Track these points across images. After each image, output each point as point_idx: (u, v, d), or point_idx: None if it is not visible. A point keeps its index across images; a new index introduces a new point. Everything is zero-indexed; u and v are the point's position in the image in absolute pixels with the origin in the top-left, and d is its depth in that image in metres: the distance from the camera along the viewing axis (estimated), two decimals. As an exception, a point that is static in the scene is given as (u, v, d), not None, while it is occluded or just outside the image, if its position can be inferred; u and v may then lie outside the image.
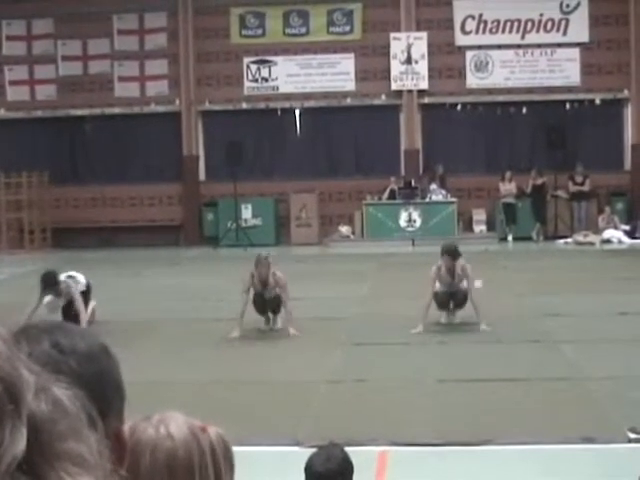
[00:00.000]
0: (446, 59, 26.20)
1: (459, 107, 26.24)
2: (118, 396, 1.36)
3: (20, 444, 0.86)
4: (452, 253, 12.16)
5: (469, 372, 9.64)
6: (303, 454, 6.81)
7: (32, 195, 26.32)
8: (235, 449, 1.82)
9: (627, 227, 24.28)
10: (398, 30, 26.21)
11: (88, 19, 26.55)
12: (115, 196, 26.56)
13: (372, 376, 9.65)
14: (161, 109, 26.84)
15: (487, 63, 26.12)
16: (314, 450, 4.55)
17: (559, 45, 25.91)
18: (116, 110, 26.90)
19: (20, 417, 0.86)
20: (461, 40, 26.23)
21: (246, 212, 25.69)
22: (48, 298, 12.85)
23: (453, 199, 24.90)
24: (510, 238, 24.59)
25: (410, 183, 25.15)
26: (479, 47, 26.18)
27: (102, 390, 1.31)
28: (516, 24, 26.03)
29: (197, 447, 1.76)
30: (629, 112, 25.86)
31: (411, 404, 8.54)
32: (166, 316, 13.64)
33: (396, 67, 26.17)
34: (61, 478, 0.91)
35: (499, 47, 26.13)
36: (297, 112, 26.70)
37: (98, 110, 26.91)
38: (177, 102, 26.79)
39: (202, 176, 27.03)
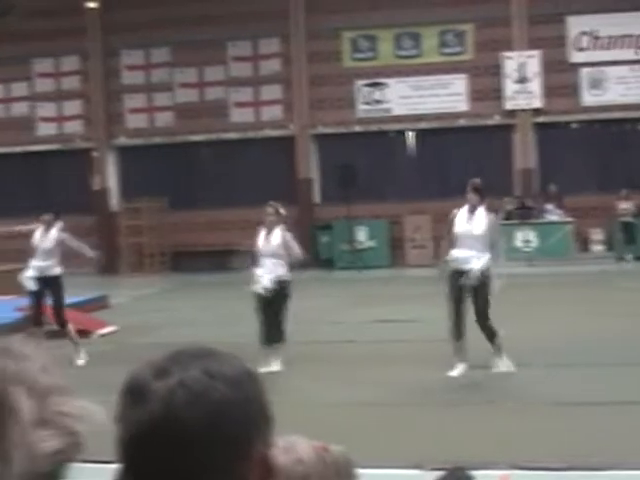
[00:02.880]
0: (560, 77, 25.89)
1: (574, 125, 25.89)
2: (265, 421, 1.38)
3: None
4: (477, 189, 10.91)
5: (584, 395, 9.47)
6: (423, 477, 6.85)
7: (151, 220, 26.93)
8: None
9: None
10: (510, 49, 26.04)
11: (203, 47, 27.12)
12: (231, 220, 26.96)
13: (491, 398, 9.58)
14: (275, 133, 27.19)
15: (602, 80, 25.72)
16: (434, 473, 4.54)
17: (675, 60, 25.39)
18: (232, 135, 27.36)
19: None
20: (575, 57, 25.91)
21: (360, 234, 25.77)
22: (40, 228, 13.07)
23: (569, 219, 24.53)
24: (629, 258, 24.08)
25: (525, 203, 24.88)
26: (593, 64, 25.80)
27: (250, 415, 1.34)
28: (631, 39, 25.59)
29: (325, 469, 1.80)
30: None
31: (531, 427, 8.43)
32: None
33: (509, 86, 25.99)
34: None
35: (614, 63, 25.70)
36: (410, 134, 26.72)
37: (214, 136, 27.42)
38: (291, 126, 27.10)
39: (316, 199, 27.24)
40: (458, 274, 10.72)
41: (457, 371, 10.80)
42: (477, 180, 11.21)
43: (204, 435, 1.28)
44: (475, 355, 10.95)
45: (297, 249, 11.71)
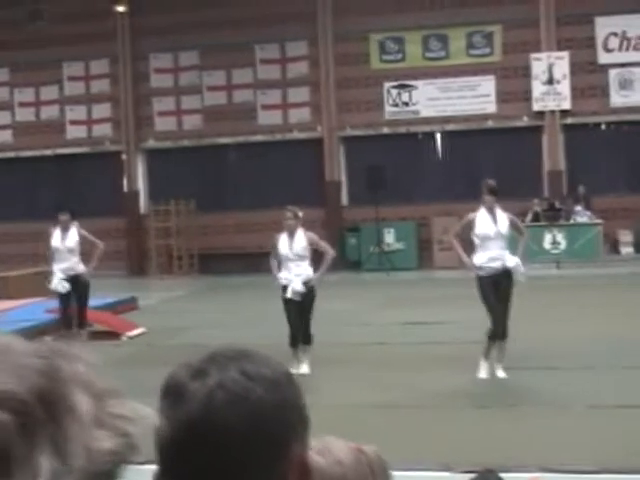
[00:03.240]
0: (589, 78, 25.76)
1: (603, 126, 25.76)
2: (302, 423, 1.38)
3: None
4: (493, 190, 11.01)
5: (621, 398, 9.42)
6: (453, 479, 6.84)
7: (180, 222, 27.03)
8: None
9: None
10: (539, 50, 25.94)
11: (231, 50, 27.20)
12: (259, 222, 27.00)
13: (520, 400, 9.56)
14: (303, 136, 27.22)
15: (631, 81, 25.56)
16: (464, 475, 4.54)
17: None
18: (259, 138, 27.43)
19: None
20: (604, 58, 25.76)
21: (388, 236, 25.75)
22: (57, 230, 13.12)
23: (598, 220, 24.40)
24: (659, 260, 23.92)
25: (554, 205, 24.78)
26: (622, 65, 25.65)
27: (287, 417, 1.35)
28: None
29: (362, 469, 1.79)
30: None
31: (562, 430, 8.40)
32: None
33: (537, 88, 25.89)
34: None
35: (643, 64, 25.56)
36: (438, 136, 26.68)
37: (242, 138, 27.50)
38: (319, 128, 27.13)
39: (344, 201, 27.25)
40: (492, 276, 10.74)
41: (501, 372, 10.76)
42: (491, 181, 11.30)
43: (243, 436, 1.28)
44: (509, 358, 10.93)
45: (327, 247, 11.73)
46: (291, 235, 11.46)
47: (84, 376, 0.82)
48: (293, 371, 10.10)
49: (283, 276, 11.45)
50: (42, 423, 0.76)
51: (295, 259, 11.41)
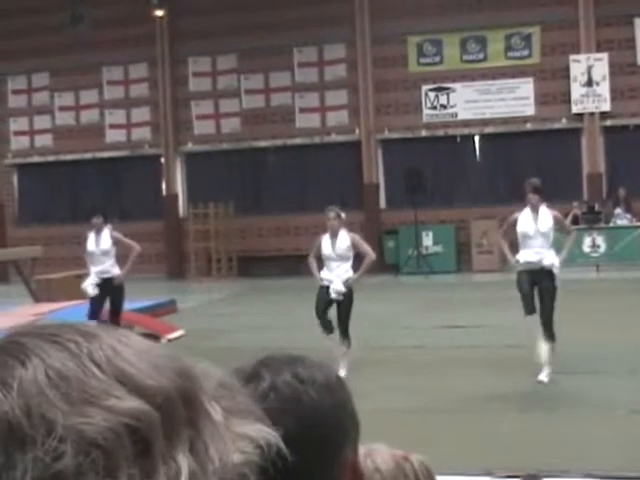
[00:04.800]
0: (628, 79, 25.54)
1: (643, 128, 25.54)
2: (354, 427, 1.40)
3: None
4: (537, 188, 11.01)
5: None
6: (494, 483, 6.82)
7: (219, 225, 27.13)
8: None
9: None
10: (578, 52, 25.76)
11: (269, 53, 27.28)
12: (298, 225, 27.06)
13: (562, 405, 9.50)
14: (341, 139, 27.24)
15: (672, 82, 25.34)
16: None
17: None
18: (298, 141, 27.48)
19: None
20: (644, 59, 25.56)
21: (427, 239, 25.69)
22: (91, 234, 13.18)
23: (639, 223, 24.18)
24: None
25: (593, 208, 24.60)
26: (662, 66, 25.45)
27: (340, 421, 1.37)
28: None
29: (403, 477, 1.79)
30: None
31: (604, 435, 8.34)
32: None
33: (576, 90, 25.71)
34: None
35: (684, 65, 25.33)
36: (476, 138, 26.60)
37: (280, 141, 27.56)
38: (357, 131, 27.13)
39: (382, 204, 27.23)
40: (532, 274, 10.75)
41: (542, 376, 10.69)
42: (535, 180, 11.32)
43: (296, 440, 1.30)
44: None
45: (369, 249, 11.74)
46: (334, 235, 11.49)
47: (210, 389, 0.84)
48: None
49: (324, 276, 11.49)
50: (184, 423, 0.77)
51: (337, 259, 11.44)
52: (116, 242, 13.20)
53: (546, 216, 10.96)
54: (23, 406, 0.72)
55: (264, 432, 0.84)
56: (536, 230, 10.85)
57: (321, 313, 11.54)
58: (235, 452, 0.78)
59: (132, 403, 0.74)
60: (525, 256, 10.89)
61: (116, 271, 13.10)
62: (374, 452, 1.81)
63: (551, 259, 10.77)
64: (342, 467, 1.37)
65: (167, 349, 0.83)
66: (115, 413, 0.73)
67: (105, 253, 13.06)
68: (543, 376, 10.61)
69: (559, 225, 11.21)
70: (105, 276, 13.03)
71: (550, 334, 10.66)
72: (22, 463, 0.70)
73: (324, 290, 11.46)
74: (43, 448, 0.70)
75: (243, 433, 0.81)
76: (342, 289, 11.29)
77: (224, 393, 0.85)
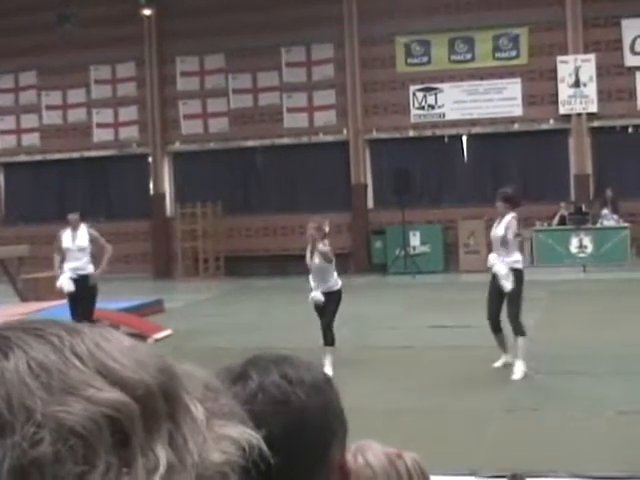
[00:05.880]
0: (616, 81, 25.61)
1: (630, 129, 25.61)
2: (342, 427, 1.41)
3: None
4: (505, 198, 11.57)
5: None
6: (480, 483, 6.82)
7: (206, 225, 27.11)
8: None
9: None
10: (565, 53, 25.82)
11: (257, 53, 27.27)
12: (285, 225, 27.06)
13: (548, 405, 9.52)
14: (329, 139, 27.24)
15: (659, 83, 25.42)
16: None
17: None
18: (285, 141, 27.47)
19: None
20: (631, 61, 25.60)
21: (414, 239, 25.71)
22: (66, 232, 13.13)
23: (626, 224, 24.25)
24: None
25: (581, 208, 24.66)
26: (650, 67, 25.52)
27: (328, 421, 1.37)
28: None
29: (395, 474, 1.79)
30: None
31: (591, 435, 8.36)
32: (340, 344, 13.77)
33: (564, 91, 25.77)
34: None
35: (671, 66, 25.41)
36: (464, 139, 26.63)
37: (268, 141, 27.55)
38: (345, 131, 27.14)
39: (370, 204, 27.24)
40: (494, 276, 11.31)
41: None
42: (505, 190, 11.94)
43: (284, 440, 1.29)
44: (536, 361, 10.89)
45: (310, 258, 11.76)
46: (313, 246, 11.62)
47: (197, 390, 0.84)
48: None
49: (311, 284, 11.66)
50: (163, 417, 0.78)
51: (315, 270, 11.60)
52: (92, 240, 13.12)
53: (504, 222, 11.34)
54: (4, 395, 0.73)
55: (246, 434, 0.84)
56: (494, 235, 11.45)
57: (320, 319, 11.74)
58: (216, 452, 0.79)
59: (112, 394, 0.75)
60: (489, 260, 11.48)
61: (91, 269, 13.01)
62: (365, 448, 1.81)
63: (498, 267, 11.17)
64: (330, 467, 1.37)
65: (151, 348, 0.83)
66: (95, 403, 0.74)
67: (81, 249, 12.97)
68: (504, 360, 11.21)
69: (506, 228, 11.37)
70: (81, 272, 12.90)
71: (516, 329, 11.04)
72: (1, 448, 0.71)
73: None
74: (21, 433, 0.71)
75: (225, 434, 0.81)
76: (320, 298, 11.49)
77: (208, 394, 0.85)
